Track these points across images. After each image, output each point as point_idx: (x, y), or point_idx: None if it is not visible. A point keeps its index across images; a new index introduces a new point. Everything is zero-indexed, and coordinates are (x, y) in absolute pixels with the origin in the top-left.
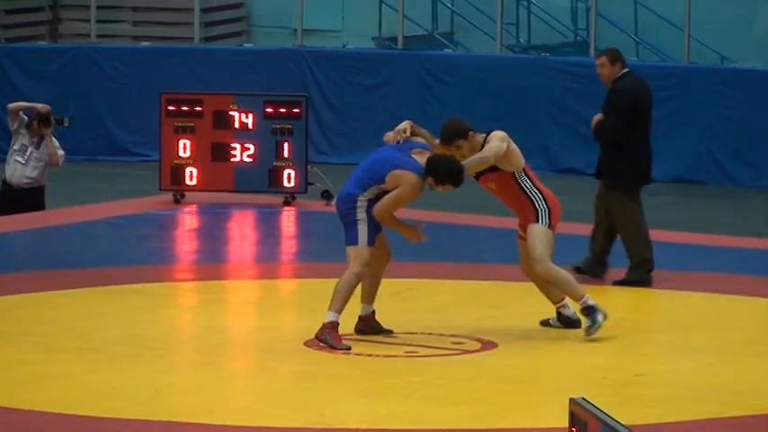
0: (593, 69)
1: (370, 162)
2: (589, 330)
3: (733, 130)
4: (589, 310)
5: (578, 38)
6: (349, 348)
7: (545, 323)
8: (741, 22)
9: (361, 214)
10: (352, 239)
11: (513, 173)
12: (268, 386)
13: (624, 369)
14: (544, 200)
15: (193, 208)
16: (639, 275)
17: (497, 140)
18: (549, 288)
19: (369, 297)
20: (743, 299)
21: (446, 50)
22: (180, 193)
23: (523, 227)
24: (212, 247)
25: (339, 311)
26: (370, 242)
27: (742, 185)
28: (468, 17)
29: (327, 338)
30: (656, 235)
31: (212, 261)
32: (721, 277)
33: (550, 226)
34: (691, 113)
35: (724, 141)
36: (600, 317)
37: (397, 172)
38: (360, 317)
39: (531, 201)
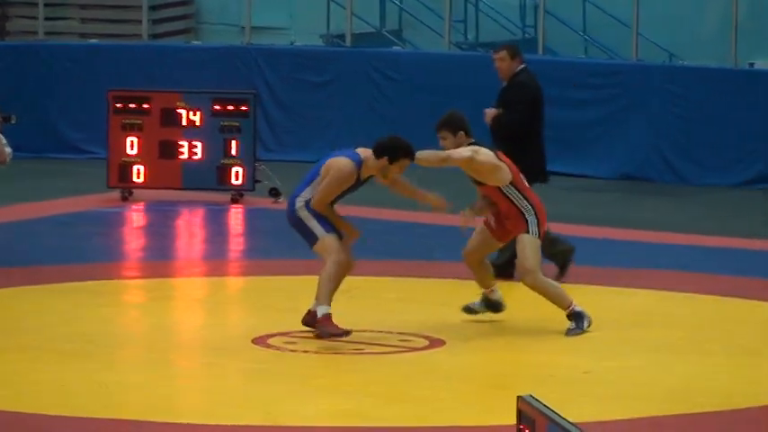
0: (541, 67)
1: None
2: (569, 332)
3: (681, 127)
4: (575, 316)
5: (526, 35)
6: (349, 332)
7: (469, 309)
8: (689, 20)
9: (303, 212)
10: (310, 239)
11: (499, 187)
12: (216, 384)
13: (571, 366)
14: (533, 210)
15: (141, 206)
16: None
17: (467, 149)
18: (484, 274)
19: None
20: (690, 296)
21: (394, 48)
22: (127, 191)
23: (506, 229)
24: (160, 245)
25: (327, 302)
26: (328, 230)
27: (690, 183)
28: (416, 14)
29: (326, 330)
30: (603, 233)
31: (160, 259)
32: (669, 275)
33: (539, 236)
34: (639, 111)
35: (672, 139)
36: (585, 323)
37: (328, 161)
38: (309, 310)
39: (521, 212)
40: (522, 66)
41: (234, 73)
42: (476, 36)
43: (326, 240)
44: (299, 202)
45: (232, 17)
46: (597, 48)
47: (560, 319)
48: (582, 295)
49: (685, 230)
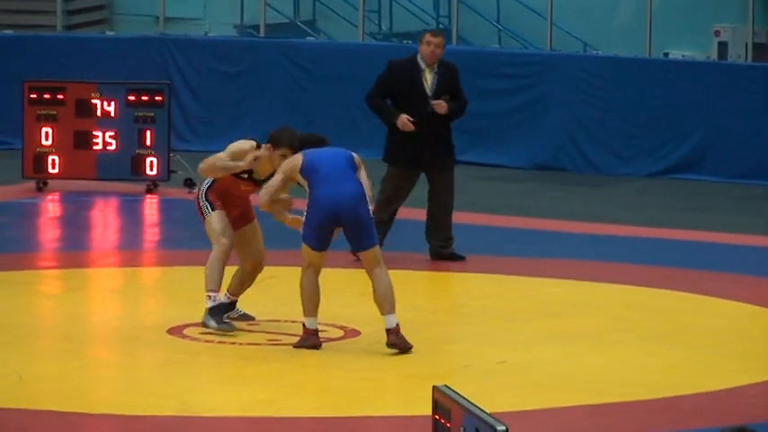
0: (455, 57)
1: (343, 156)
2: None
3: (596, 117)
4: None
5: (440, 25)
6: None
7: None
8: (603, 10)
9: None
10: (373, 234)
11: None
12: (131, 374)
13: (487, 357)
14: None
15: (56, 196)
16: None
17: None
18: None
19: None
20: (606, 286)
21: (308, 38)
22: (42, 181)
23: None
24: (75, 235)
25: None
26: None
27: (604, 173)
28: (330, 5)
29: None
30: (519, 222)
31: (75, 249)
32: (585, 264)
33: None
34: (553, 101)
35: (587, 129)
36: (213, 323)
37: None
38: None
39: None
40: None
41: (148, 63)
42: (390, 26)
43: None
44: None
45: (146, 8)
46: (511, 37)
47: (476, 312)
48: (496, 285)
49: (598, 220)
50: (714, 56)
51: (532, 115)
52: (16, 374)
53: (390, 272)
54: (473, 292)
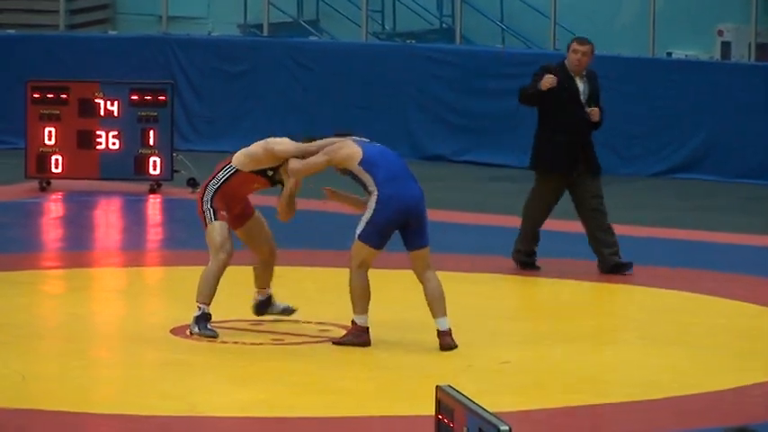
0: (458, 57)
1: (393, 155)
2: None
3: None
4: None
5: (444, 25)
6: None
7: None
8: (607, 10)
9: None
10: (428, 237)
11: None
12: (133, 374)
13: (490, 357)
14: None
15: (59, 196)
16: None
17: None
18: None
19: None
20: (608, 286)
21: (312, 38)
22: (46, 181)
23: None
24: (78, 235)
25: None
26: None
27: (607, 173)
28: (333, 4)
29: None
30: (518, 222)
31: (78, 249)
32: (587, 264)
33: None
34: None
35: None
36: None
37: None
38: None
39: None
40: None
41: (151, 63)
42: (393, 26)
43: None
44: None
45: (149, 7)
46: (515, 37)
47: (479, 312)
48: (498, 286)
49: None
50: (717, 56)
51: (535, 115)
52: (18, 374)
53: (395, 271)
54: (476, 291)
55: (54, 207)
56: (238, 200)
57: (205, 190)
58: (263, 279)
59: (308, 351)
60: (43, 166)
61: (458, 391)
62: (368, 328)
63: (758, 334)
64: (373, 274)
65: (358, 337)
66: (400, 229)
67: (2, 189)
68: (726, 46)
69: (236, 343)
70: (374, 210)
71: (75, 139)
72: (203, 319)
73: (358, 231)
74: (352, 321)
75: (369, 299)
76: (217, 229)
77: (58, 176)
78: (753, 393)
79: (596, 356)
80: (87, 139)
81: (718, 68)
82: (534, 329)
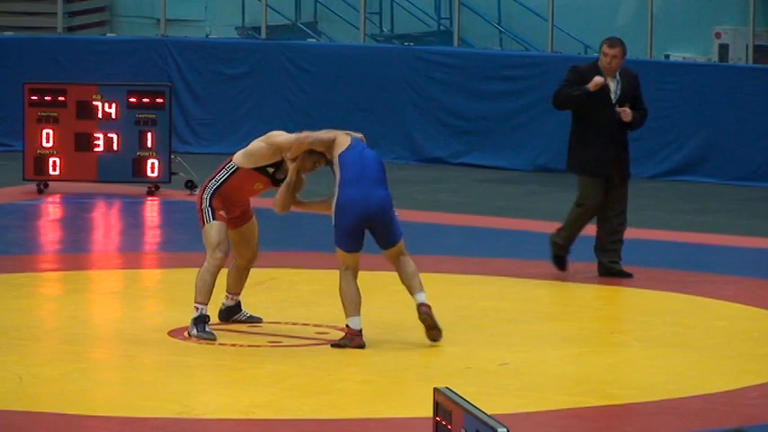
0: (456, 59)
1: (372, 158)
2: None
3: None
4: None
5: (441, 27)
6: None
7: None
8: (604, 12)
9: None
10: (399, 232)
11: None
12: (132, 376)
13: (488, 358)
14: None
15: (57, 198)
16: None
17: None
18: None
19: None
20: (608, 288)
21: (309, 40)
22: (43, 183)
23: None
24: (76, 237)
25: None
26: None
27: None
28: (331, 7)
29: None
30: (520, 224)
31: (76, 251)
32: (587, 266)
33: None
34: None
35: None
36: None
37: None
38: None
39: None
40: None
41: (149, 65)
42: (391, 28)
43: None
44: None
45: (147, 10)
46: (512, 39)
47: (478, 313)
48: (499, 287)
49: None
50: (715, 58)
51: (533, 117)
52: (16, 376)
53: (395, 272)
54: (474, 293)
55: (52, 209)
56: (239, 202)
57: (204, 190)
58: (238, 284)
59: (306, 353)
60: (41, 168)
61: (456, 393)
62: (360, 331)
63: (756, 336)
64: (373, 274)
65: (351, 340)
66: (369, 229)
67: (0, 191)
68: (723, 48)
69: (233, 345)
70: (335, 214)
71: (72, 142)
72: (201, 321)
73: (334, 238)
74: (346, 325)
75: (359, 301)
76: (215, 228)
77: (55, 179)
78: (752, 395)
79: (595, 358)
80: (85, 142)
81: (716, 71)
82: (533, 331)
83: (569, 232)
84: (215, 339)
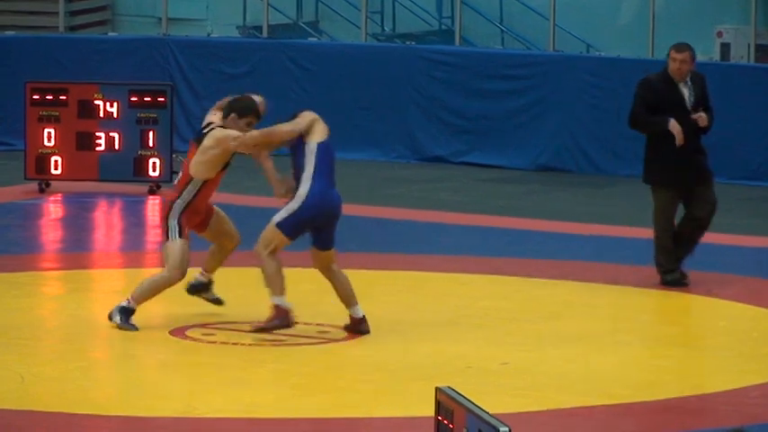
0: (458, 58)
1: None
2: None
3: (599, 118)
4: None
5: (443, 26)
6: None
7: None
8: (606, 11)
9: None
10: (334, 239)
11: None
12: (133, 376)
13: (490, 358)
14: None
15: (58, 197)
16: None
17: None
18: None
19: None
20: (610, 287)
21: (311, 39)
22: (45, 183)
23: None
24: (78, 237)
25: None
26: None
27: (606, 174)
28: (332, 6)
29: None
30: (521, 223)
31: (77, 250)
32: (589, 265)
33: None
34: (556, 102)
35: (590, 130)
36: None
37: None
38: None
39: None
40: None
41: (151, 64)
42: (392, 27)
43: None
44: None
45: (148, 8)
46: (514, 38)
47: (479, 313)
48: (498, 286)
49: (602, 221)
50: (717, 57)
51: (535, 116)
52: (18, 375)
53: (395, 272)
54: (475, 293)
55: (53, 208)
56: (205, 207)
57: (171, 209)
58: (214, 264)
59: (307, 352)
60: (42, 167)
61: (457, 393)
62: (290, 309)
63: (758, 336)
64: (370, 274)
65: (283, 320)
66: (316, 227)
67: (1, 190)
68: (725, 47)
69: (235, 344)
70: (301, 204)
71: (74, 141)
72: (128, 312)
73: (278, 219)
74: (275, 306)
75: (284, 279)
76: (178, 247)
77: (57, 178)
78: (753, 395)
79: (596, 358)
80: (87, 141)
81: (717, 70)
82: (534, 330)
83: (662, 251)
84: (137, 330)
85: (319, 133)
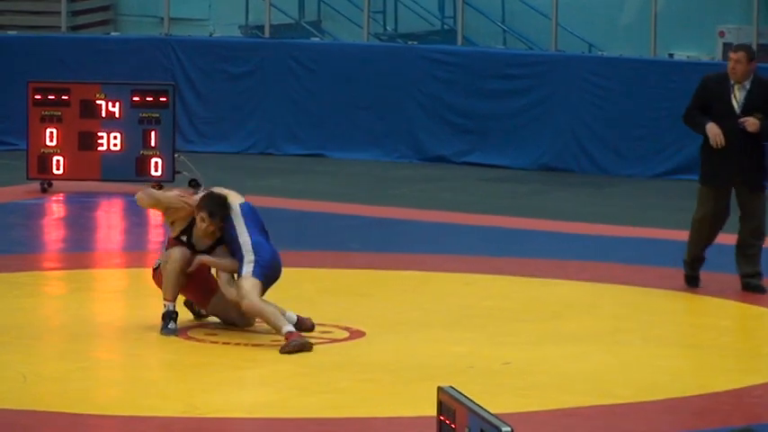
0: (460, 58)
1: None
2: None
3: (600, 117)
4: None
5: (445, 26)
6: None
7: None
8: (608, 10)
9: None
10: None
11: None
12: (136, 375)
13: (492, 358)
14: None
15: (60, 197)
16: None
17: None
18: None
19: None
20: (612, 287)
21: (313, 39)
22: (47, 182)
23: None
24: (80, 237)
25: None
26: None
27: (609, 173)
28: (334, 5)
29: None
30: (523, 223)
31: (80, 250)
32: (591, 265)
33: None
34: (558, 101)
35: (592, 130)
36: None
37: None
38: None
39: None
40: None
41: (153, 64)
42: (395, 27)
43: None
44: None
45: (151, 8)
46: (516, 38)
47: (481, 312)
48: (500, 286)
49: (605, 221)
50: (719, 57)
51: (537, 116)
52: (20, 375)
53: (394, 272)
54: (478, 293)
55: (55, 208)
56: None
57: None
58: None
59: (309, 352)
60: (44, 167)
61: (459, 392)
62: (296, 330)
63: (760, 335)
64: (372, 274)
65: (298, 339)
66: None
67: (3, 190)
68: (727, 47)
69: (237, 344)
70: (253, 249)
71: (76, 141)
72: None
73: (246, 271)
74: (287, 333)
75: (280, 309)
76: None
77: (59, 178)
78: (755, 394)
79: (598, 357)
80: (89, 141)
81: (719, 69)
82: (536, 330)
83: (691, 248)
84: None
85: (235, 197)
